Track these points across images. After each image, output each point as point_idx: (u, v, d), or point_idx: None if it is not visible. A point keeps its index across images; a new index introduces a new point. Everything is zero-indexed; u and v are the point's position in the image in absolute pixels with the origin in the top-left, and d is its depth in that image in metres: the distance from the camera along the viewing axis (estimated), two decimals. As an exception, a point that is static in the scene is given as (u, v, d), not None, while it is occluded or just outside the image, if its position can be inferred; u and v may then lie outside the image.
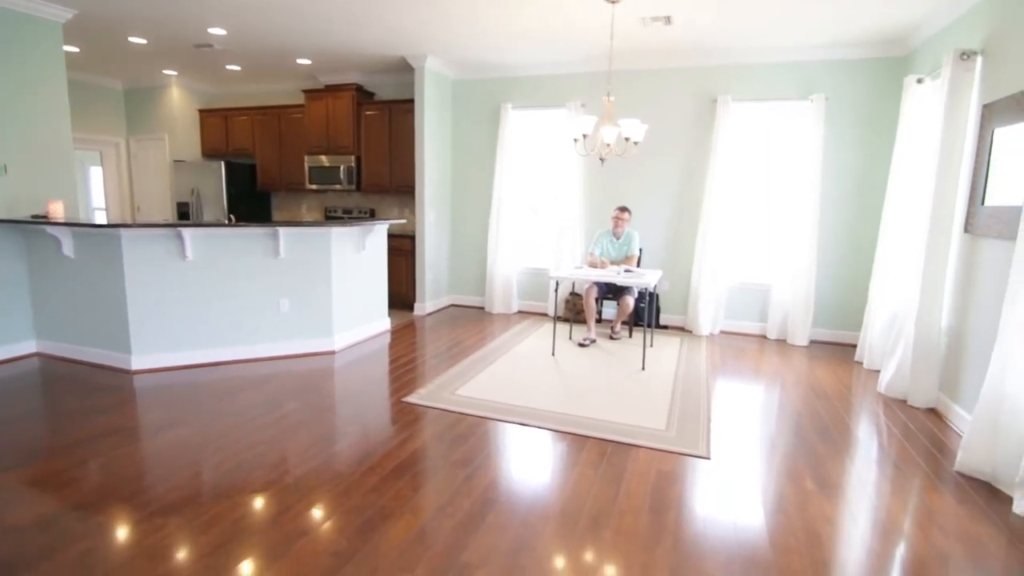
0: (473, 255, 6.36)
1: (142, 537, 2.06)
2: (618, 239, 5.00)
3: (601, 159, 3.96)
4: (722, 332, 5.48)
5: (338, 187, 6.42)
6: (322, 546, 2.03)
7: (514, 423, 3.17)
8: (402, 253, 6.03)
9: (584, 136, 3.80)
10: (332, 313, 4.47)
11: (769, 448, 2.94)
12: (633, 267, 4.77)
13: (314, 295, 4.39)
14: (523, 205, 6.13)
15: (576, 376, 4.00)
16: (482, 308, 6.33)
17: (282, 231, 4.14)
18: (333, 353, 4.47)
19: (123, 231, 3.76)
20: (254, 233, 4.13)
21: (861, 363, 4.52)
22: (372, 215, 6.65)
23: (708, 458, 2.79)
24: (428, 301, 6.03)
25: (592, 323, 4.90)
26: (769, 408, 3.54)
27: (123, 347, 3.90)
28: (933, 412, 3.51)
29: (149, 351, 3.93)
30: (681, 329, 5.59)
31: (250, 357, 4.22)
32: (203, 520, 2.17)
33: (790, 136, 5.07)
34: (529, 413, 3.29)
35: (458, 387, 3.71)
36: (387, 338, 5.02)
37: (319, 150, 6.45)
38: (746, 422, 3.29)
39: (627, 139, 3.83)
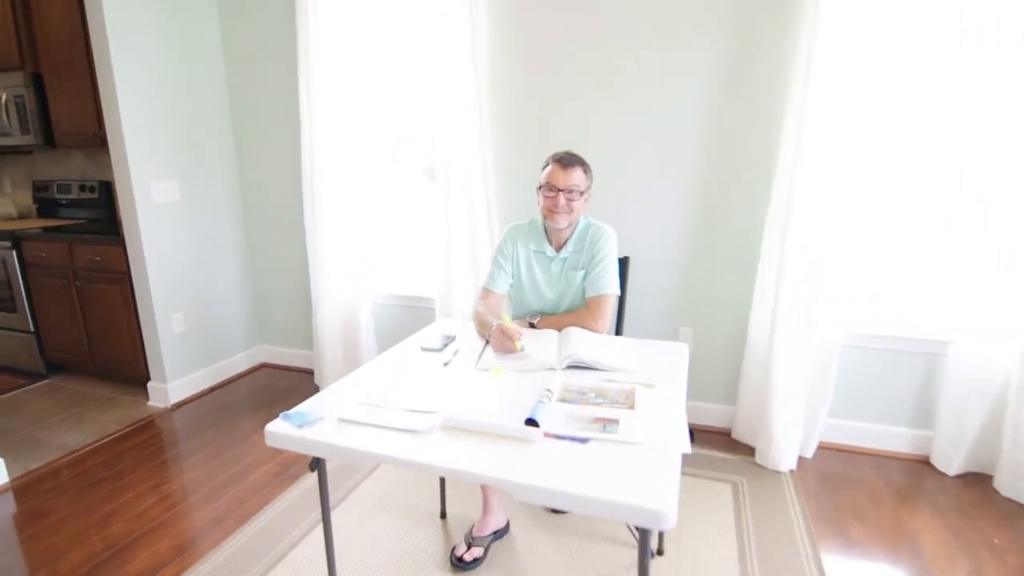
0: (293, 271, 3.17)
1: None
2: (559, 250, 1.79)
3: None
4: (823, 447, 2.35)
5: (6, 140, 3.17)
6: None
7: None
8: (116, 279, 2.83)
9: None
10: None
11: None
12: (599, 323, 1.62)
13: None
14: (392, 166, 2.90)
15: None
16: (312, 373, 3.18)
17: None
18: None
19: None
20: None
21: None
22: (108, 194, 3.42)
23: None
24: (176, 379, 2.84)
25: (494, 500, 1.78)
26: None
27: None
28: None
29: None
30: (727, 437, 2.46)
31: None
32: None
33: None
34: None
35: None
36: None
37: (-30, 67, 3.17)
38: None
39: None
